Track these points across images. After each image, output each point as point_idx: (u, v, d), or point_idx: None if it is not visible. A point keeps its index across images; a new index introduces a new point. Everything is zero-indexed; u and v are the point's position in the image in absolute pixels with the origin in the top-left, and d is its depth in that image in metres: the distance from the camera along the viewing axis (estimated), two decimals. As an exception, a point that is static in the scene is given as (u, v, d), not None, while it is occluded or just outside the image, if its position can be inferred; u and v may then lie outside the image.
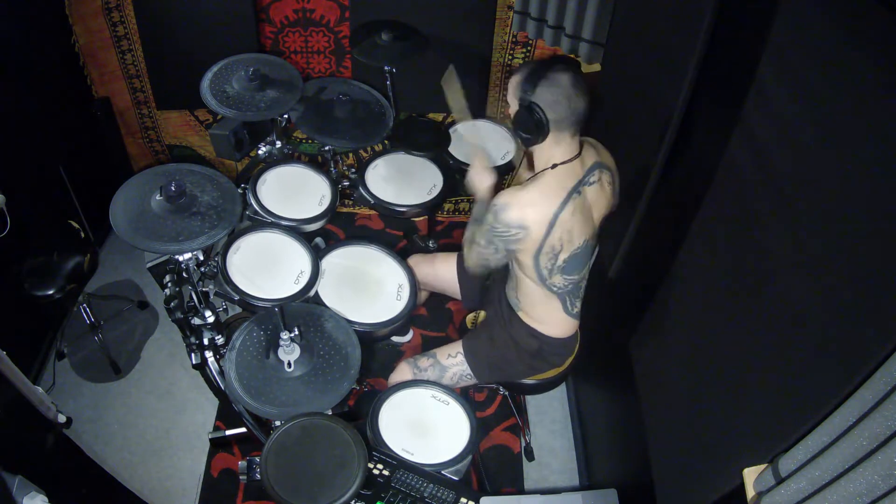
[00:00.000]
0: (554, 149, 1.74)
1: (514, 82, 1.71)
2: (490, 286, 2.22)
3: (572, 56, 2.31)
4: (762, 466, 1.22)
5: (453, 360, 2.09)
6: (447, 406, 1.98)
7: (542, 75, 1.64)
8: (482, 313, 2.42)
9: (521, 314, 2.01)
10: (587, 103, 1.68)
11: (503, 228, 1.71)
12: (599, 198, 1.83)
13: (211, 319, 2.04)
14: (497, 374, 2.16)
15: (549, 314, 1.96)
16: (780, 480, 1.14)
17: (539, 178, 1.75)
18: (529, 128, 1.68)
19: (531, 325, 1.99)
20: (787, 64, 1.31)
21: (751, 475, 1.24)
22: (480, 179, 1.96)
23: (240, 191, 2.03)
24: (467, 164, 2.40)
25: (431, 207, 2.44)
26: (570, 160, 1.74)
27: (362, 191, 2.42)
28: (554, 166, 1.74)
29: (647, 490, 1.80)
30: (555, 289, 1.87)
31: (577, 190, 1.76)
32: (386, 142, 2.50)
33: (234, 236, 2.12)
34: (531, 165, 1.91)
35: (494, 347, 2.07)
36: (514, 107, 1.72)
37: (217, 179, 1.95)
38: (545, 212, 1.71)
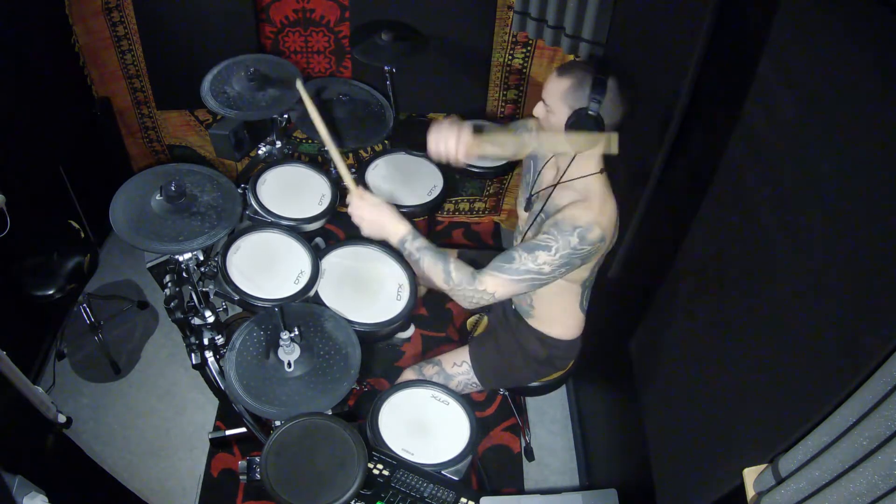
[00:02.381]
0: (596, 154, 1.71)
1: (565, 87, 1.61)
2: None
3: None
4: (762, 466, 1.22)
5: (459, 369, 2.09)
6: (447, 406, 1.98)
7: (605, 83, 1.58)
8: (484, 315, 2.42)
9: (530, 321, 2.01)
10: (630, 104, 1.64)
11: (588, 248, 1.65)
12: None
13: (211, 319, 2.03)
14: (503, 381, 2.16)
15: (565, 316, 1.96)
16: (780, 480, 1.15)
17: (593, 186, 1.71)
18: (587, 134, 1.62)
19: (541, 329, 1.99)
20: (787, 64, 1.31)
21: (751, 475, 1.24)
22: (385, 228, 1.77)
23: (240, 191, 2.03)
24: (469, 166, 2.41)
25: (431, 208, 2.44)
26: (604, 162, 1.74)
27: (362, 191, 2.42)
28: (602, 171, 1.72)
29: (647, 490, 1.80)
30: (585, 283, 1.88)
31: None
32: (386, 142, 2.49)
33: (234, 236, 2.11)
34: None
35: (501, 355, 2.07)
36: (560, 112, 1.64)
37: (217, 179, 1.95)
38: (612, 217, 1.71)
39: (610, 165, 1.78)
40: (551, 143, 1.72)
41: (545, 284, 1.72)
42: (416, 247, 1.75)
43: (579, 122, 1.60)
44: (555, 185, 1.78)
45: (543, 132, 1.75)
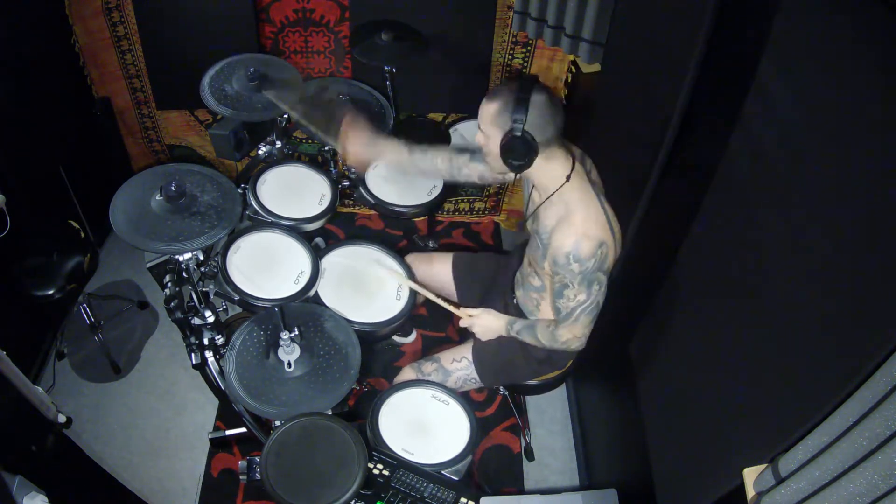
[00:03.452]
0: (551, 165, 1.72)
1: (493, 111, 1.65)
2: (490, 290, 2.22)
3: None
4: (762, 466, 1.22)
5: (458, 365, 2.09)
6: (447, 406, 1.98)
7: (526, 101, 1.60)
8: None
9: (532, 319, 2.02)
10: (564, 113, 1.67)
11: (593, 261, 1.68)
12: (598, 179, 1.84)
13: (211, 319, 2.03)
14: (503, 378, 2.17)
15: None
16: (780, 480, 1.15)
17: (570, 196, 1.72)
18: (520, 154, 1.65)
19: None
20: (787, 64, 1.31)
21: (751, 475, 1.24)
22: (494, 329, 2.00)
23: (240, 191, 2.04)
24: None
25: (431, 207, 2.44)
26: (572, 166, 1.74)
27: (362, 191, 2.42)
28: (568, 178, 1.72)
29: (647, 490, 1.80)
30: None
31: (591, 181, 1.77)
32: (386, 142, 2.49)
33: (234, 236, 2.12)
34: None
35: (501, 352, 2.07)
36: (494, 136, 1.66)
37: (217, 179, 1.95)
38: (598, 217, 1.71)
39: (610, 162, 1.78)
40: (498, 166, 1.74)
41: (601, 303, 1.79)
42: (516, 330, 1.96)
43: (510, 143, 1.63)
44: (538, 207, 1.82)
45: (490, 161, 1.76)
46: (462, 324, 2.04)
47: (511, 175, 1.77)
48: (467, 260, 2.30)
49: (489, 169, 1.82)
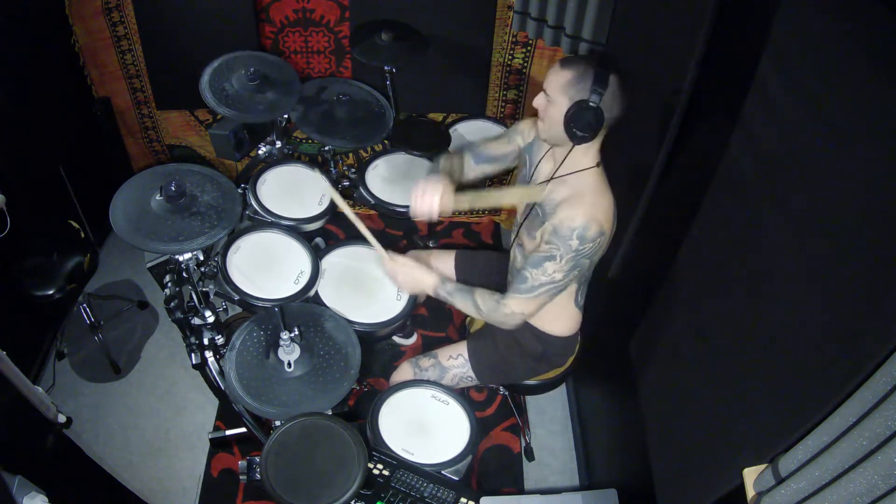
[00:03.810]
0: (594, 147, 1.75)
1: (567, 78, 1.65)
2: (489, 286, 2.22)
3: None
4: (762, 466, 1.22)
5: (454, 362, 2.09)
6: (447, 406, 1.98)
7: (607, 77, 1.62)
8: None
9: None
10: (628, 101, 1.69)
11: (590, 245, 1.69)
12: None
13: (211, 319, 2.04)
14: (499, 377, 2.16)
15: (561, 311, 1.97)
16: (780, 480, 1.14)
17: (589, 181, 1.74)
18: (587, 126, 1.65)
19: (538, 326, 2.00)
20: (787, 64, 1.31)
21: (751, 475, 1.24)
22: (419, 281, 1.94)
23: (240, 191, 2.03)
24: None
25: (431, 207, 2.43)
26: (601, 159, 1.77)
27: (362, 191, 2.42)
28: (598, 164, 1.75)
29: (647, 490, 1.80)
30: (580, 279, 1.90)
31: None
32: (386, 142, 2.50)
33: (234, 236, 2.12)
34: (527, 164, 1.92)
35: (497, 350, 2.07)
36: (561, 103, 1.67)
37: (217, 179, 1.95)
38: (609, 209, 1.74)
39: (610, 162, 1.78)
40: (551, 133, 1.74)
41: (564, 289, 1.79)
42: (448, 291, 1.91)
43: (579, 113, 1.64)
44: (550, 180, 1.81)
45: (543, 126, 1.76)
46: (385, 267, 1.99)
47: (545, 147, 1.80)
48: (469, 256, 2.31)
49: (530, 135, 1.88)
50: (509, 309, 1.81)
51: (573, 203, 1.71)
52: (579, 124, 1.65)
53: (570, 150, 1.74)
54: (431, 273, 1.95)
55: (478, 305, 1.85)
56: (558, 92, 1.67)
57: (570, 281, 1.77)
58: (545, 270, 1.73)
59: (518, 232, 1.95)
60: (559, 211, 1.72)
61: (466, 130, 2.61)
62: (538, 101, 1.74)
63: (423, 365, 2.10)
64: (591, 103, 1.62)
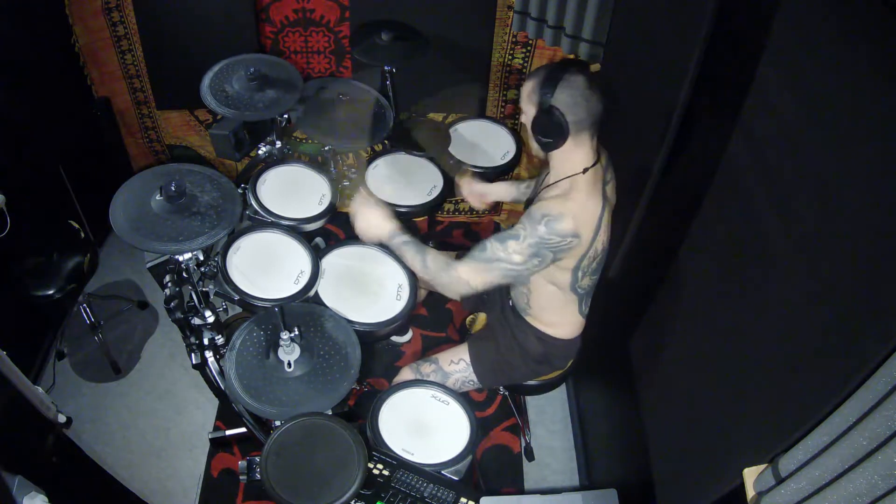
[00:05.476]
0: (575, 152, 1.72)
1: (529, 87, 1.68)
2: (491, 291, 2.22)
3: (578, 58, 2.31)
4: (762, 466, 1.22)
5: (456, 367, 2.09)
6: (447, 406, 1.98)
7: (558, 78, 1.62)
8: (481, 314, 2.42)
9: (529, 318, 2.01)
10: (603, 105, 1.67)
11: (557, 239, 1.67)
12: (613, 195, 1.84)
13: (211, 319, 2.03)
14: (501, 379, 2.16)
15: (563, 317, 1.96)
16: (780, 480, 1.14)
17: (576, 185, 1.72)
18: (549, 131, 1.66)
19: (540, 328, 2.00)
20: (787, 64, 1.31)
21: (751, 475, 1.24)
22: (376, 227, 1.94)
23: (240, 191, 2.03)
24: (470, 165, 2.42)
25: (431, 208, 2.44)
26: (595, 163, 1.74)
27: (363, 191, 2.42)
28: (585, 170, 1.72)
29: (647, 490, 1.80)
30: (580, 291, 1.88)
31: (604, 190, 1.77)
32: (386, 142, 2.50)
33: (234, 236, 2.11)
34: (534, 171, 1.92)
35: (499, 353, 2.07)
36: (529, 113, 1.70)
37: (217, 179, 1.95)
38: (592, 217, 1.72)
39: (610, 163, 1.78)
40: (532, 145, 1.77)
41: (521, 276, 1.76)
42: (402, 241, 1.88)
43: (538, 118, 1.66)
44: (543, 188, 1.82)
45: (529, 140, 1.79)
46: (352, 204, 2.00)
47: (537, 154, 1.79)
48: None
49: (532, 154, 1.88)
50: (457, 273, 1.76)
51: (557, 198, 1.72)
52: (541, 131, 1.67)
53: (549, 159, 1.77)
54: (390, 221, 1.92)
55: (426, 263, 1.81)
56: (525, 101, 1.71)
57: (530, 271, 1.73)
58: (506, 247, 1.70)
59: None
60: (541, 199, 1.75)
61: (466, 130, 2.61)
62: (521, 118, 1.76)
63: (424, 371, 2.10)
64: (545, 108, 1.63)
